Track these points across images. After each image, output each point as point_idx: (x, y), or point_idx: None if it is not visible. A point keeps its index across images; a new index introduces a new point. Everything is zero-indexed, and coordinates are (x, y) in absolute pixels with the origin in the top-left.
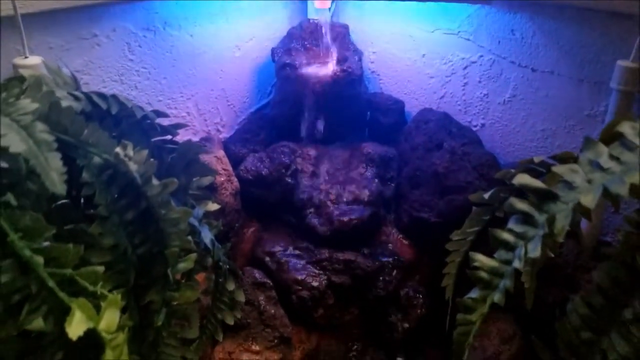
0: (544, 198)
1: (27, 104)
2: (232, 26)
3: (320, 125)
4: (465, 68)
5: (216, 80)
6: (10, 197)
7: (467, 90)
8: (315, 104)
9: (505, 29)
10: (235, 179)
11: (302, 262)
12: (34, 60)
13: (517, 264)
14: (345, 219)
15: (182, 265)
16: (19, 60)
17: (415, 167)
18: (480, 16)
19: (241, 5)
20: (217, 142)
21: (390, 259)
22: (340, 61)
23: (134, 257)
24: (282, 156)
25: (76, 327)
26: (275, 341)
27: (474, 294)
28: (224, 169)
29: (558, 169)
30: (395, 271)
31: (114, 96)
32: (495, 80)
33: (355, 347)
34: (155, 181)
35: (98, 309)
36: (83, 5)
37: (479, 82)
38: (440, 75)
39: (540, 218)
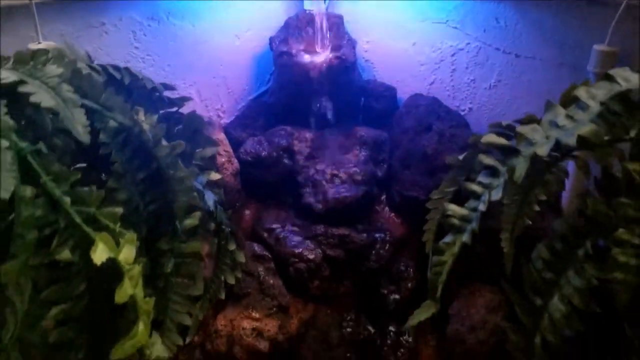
0: (507, 153)
1: (54, 69)
2: (232, 16)
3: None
4: (453, 55)
5: (217, 68)
6: (41, 145)
7: (455, 76)
8: (311, 91)
9: (490, 18)
10: (236, 160)
11: (299, 237)
12: (47, 45)
13: (482, 207)
14: (340, 196)
15: (189, 222)
16: (33, 46)
17: (406, 149)
18: (466, 6)
19: None
20: (218, 127)
21: (383, 235)
22: (334, 50)
23: (145, 213)
24: (280, 139)
25: (100, 255)
26: (274, 309)
27: (447, 239)
28: (225, 151)
29: (522, 129)
30: (387, 246)
31: (126, 68)
32: (482, 66)
33: (349, 317)
34: (164, 142)
35: (117, 245)
36: None
37: (466, 68)
38: (430, 63)
39: (503, 170)
